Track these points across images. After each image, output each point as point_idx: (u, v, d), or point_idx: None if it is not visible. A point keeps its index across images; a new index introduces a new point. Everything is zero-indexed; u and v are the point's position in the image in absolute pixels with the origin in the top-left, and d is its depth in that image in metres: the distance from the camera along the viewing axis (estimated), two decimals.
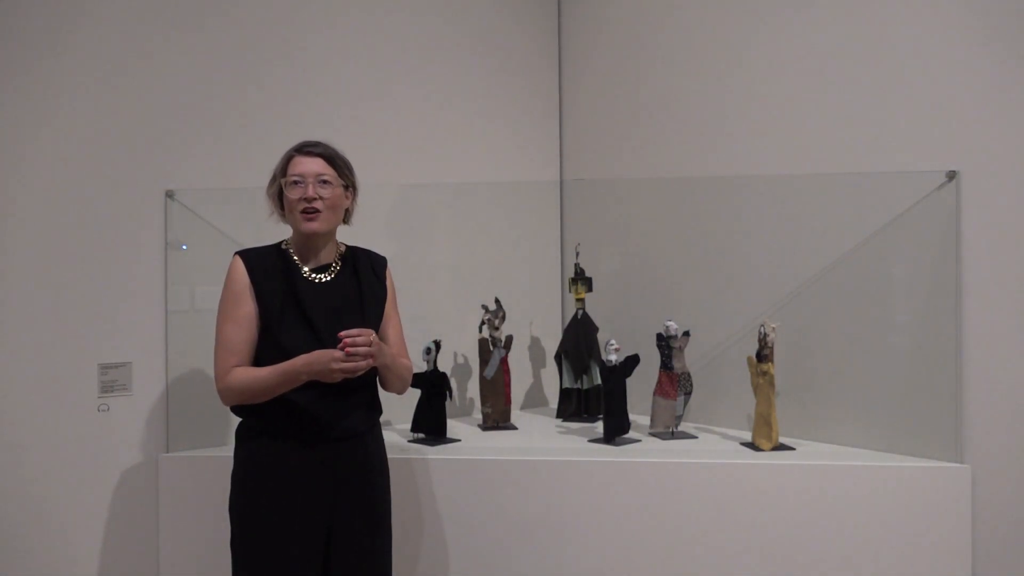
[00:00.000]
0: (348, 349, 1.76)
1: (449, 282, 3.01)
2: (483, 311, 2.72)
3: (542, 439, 2.58)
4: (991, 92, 2.04)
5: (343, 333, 1.77)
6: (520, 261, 3.20)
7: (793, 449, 2.29)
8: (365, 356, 1.77)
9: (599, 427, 2.56)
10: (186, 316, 2.46)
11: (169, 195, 2.44)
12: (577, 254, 2.89)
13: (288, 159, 1.90)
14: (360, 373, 1.79)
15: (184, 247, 2.47)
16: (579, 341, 2.82)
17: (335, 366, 1.74)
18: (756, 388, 2.32)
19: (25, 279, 2.24)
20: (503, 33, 3.24)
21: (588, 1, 3.26)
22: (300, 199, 1.85)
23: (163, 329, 2.43)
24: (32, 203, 2.25)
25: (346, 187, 1.93)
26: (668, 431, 2.50)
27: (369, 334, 1.79)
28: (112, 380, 2.35)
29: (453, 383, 2.89)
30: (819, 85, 2.42)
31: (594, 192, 3.22)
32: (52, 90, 2.28)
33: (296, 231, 1.91)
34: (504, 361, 2.72)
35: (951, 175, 2.10)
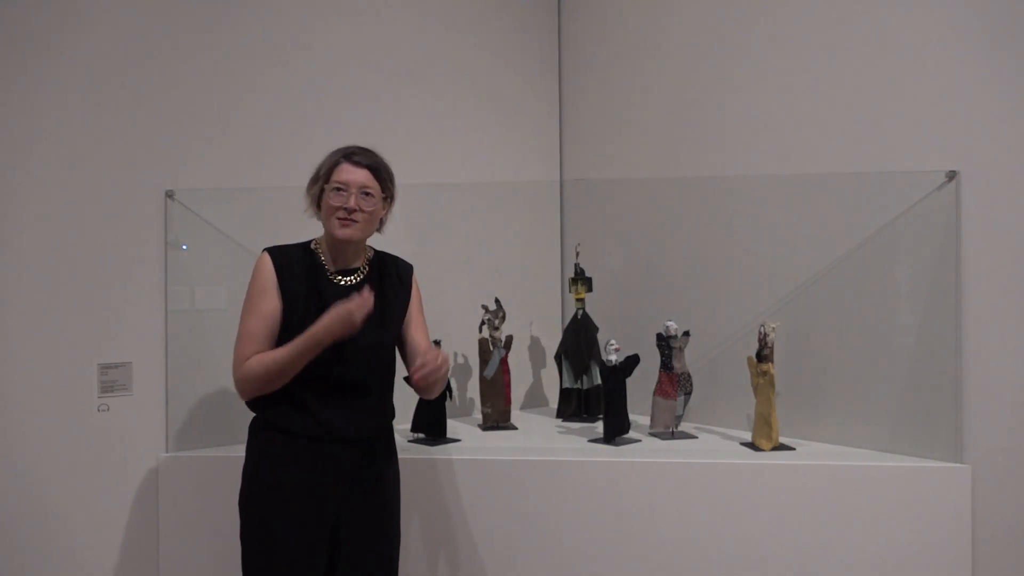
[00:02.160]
0: (421, 373, 1.77)
1: (449, 282, 3.01)
2: (483, 311, 2.72)
3: (542, 439, 2.58)
4: (991, 92, 2.04)
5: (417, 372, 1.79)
6: (520, 261, 3.20)
7: (793, 449, 2.29)
8: (440, 369, 1.78)
9: (599, 427, 2.56)
10: (186, 316, 2.46)
11: (169, 195, 2.44)
12: (577, 254, 2.89)
13: (334, 164, 1.88)
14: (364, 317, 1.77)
15: (184, 247, 2.47)
16: (579, 341, 2.82)
17: (358, 315, 1.73)
18: (756, 388, 2.32)
19: (25, 279, 2.24)
20: (503, 33, 3.24)
21: (588, 1, 3.27)
22: (340, 207, 1.85)
23: (163, 329, 2.43)
24: (32, 203, 2.25)
25: (385, 197, 1.94)
26: (668, 431, 2.50)
27: (438, 355, 1.79)
28: (112, 380, 2.35)
29: (453, 383, 2.88)
30: (819, 85, 2.42)
31: (594, 192, 3.22)
32: (52, 90, 2.27)
33: (329, 234, 1.91)
34: (504, 361, 2.72)
35: (951, 175, 2.10)
